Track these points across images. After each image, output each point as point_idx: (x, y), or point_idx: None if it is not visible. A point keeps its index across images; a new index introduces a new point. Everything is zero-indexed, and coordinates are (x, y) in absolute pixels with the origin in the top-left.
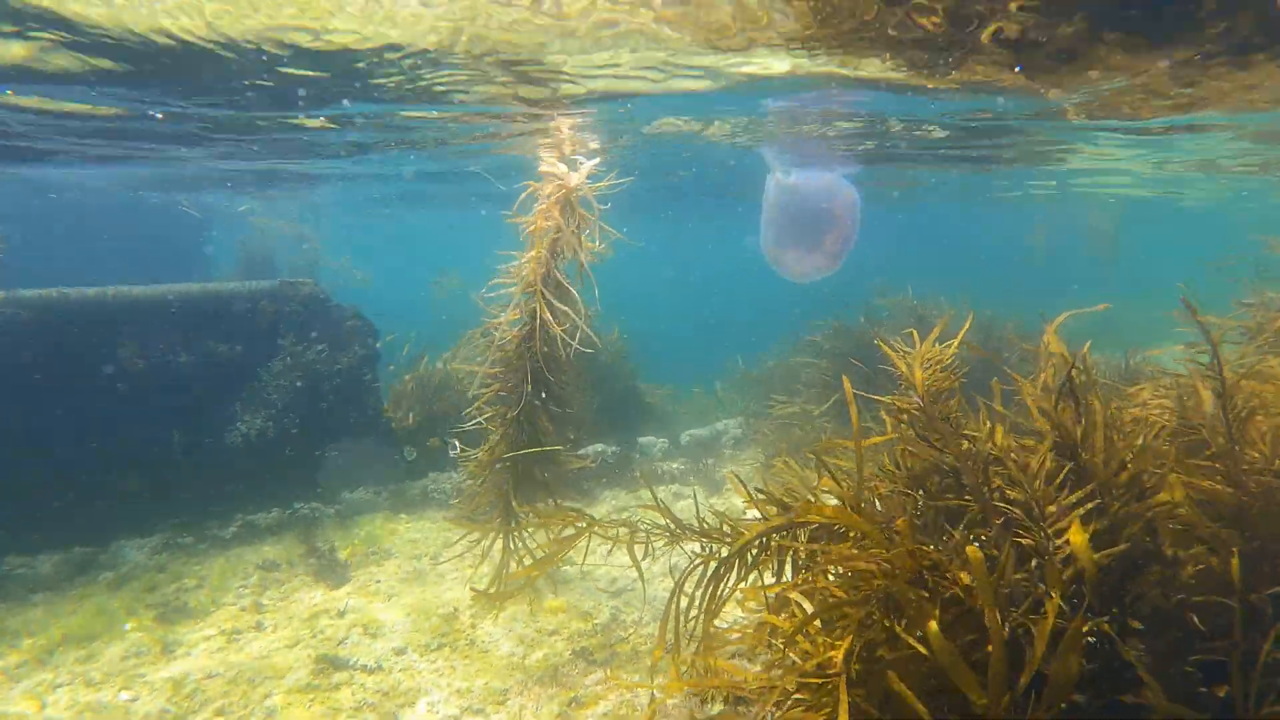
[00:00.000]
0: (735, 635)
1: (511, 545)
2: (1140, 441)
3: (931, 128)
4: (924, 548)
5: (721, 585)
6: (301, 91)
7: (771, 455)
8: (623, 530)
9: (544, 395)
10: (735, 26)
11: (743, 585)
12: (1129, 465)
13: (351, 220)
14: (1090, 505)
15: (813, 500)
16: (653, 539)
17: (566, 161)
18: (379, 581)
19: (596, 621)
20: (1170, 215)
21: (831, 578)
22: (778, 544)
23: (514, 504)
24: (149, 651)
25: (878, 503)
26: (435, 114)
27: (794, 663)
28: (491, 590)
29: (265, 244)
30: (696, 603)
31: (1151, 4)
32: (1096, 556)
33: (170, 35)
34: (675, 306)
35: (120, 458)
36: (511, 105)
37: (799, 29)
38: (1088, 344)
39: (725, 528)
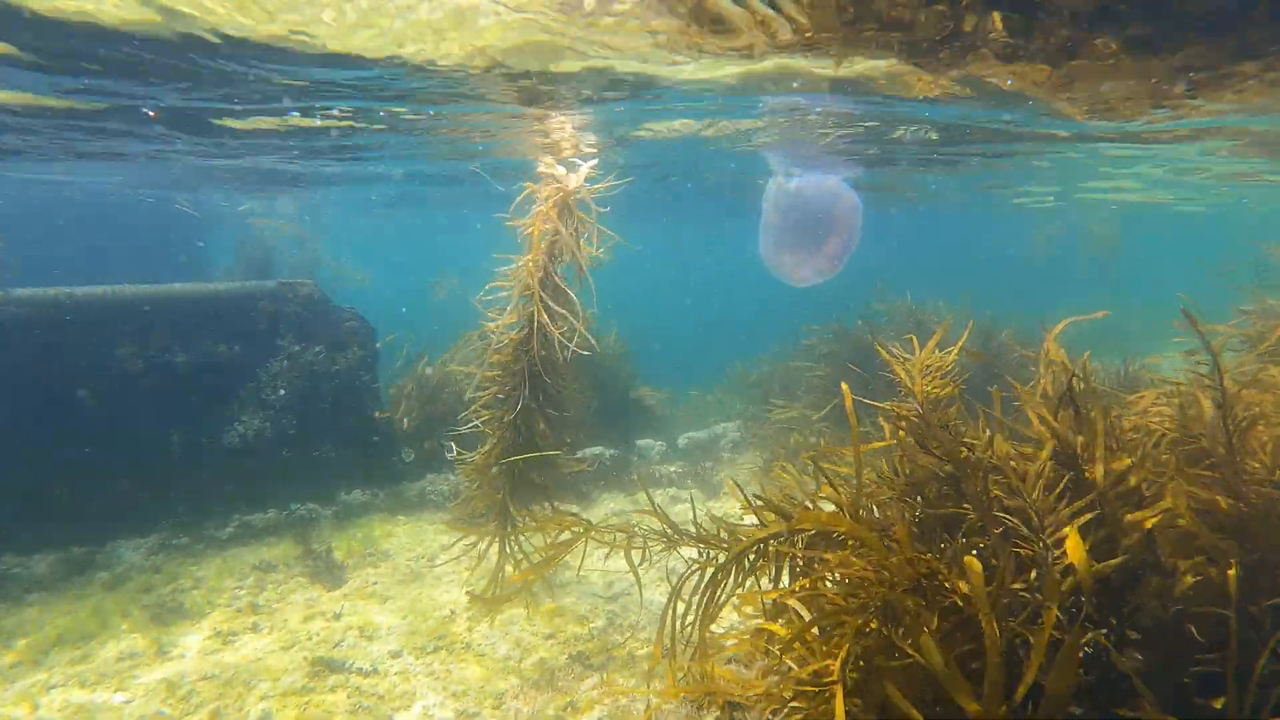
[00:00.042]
0: (731, 641)
1: (508, 549)
2: (1140, 451)
3: (929, 132)
4: (922, 556)
5: (719, 590)
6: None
7: (770, 459)
8: (620, 535)
9: (541, 398)
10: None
11: (740, 591)
12: (1129, 475)
13: (351, 221)
14: (1089, 516)
15: (811, 507)
16: (650, 544)
17: (564, 163)
18: (375, 583)
19: (593, 626)
20: (1170, 220)
21: (829, 584)
22: (775, 550)
23: (510, 508)
24: (144, 653)
25: (876, 509)
26: (431, 114)
27: (790, 669)
28: (488, 594)
29: (264, 244)
30: (693, 608)
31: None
32: (1095, 569)
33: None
34: (674, 308)
35: (117, 458)
36: (510, 105)
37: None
38: (1087, 353)
39: (722, 533)
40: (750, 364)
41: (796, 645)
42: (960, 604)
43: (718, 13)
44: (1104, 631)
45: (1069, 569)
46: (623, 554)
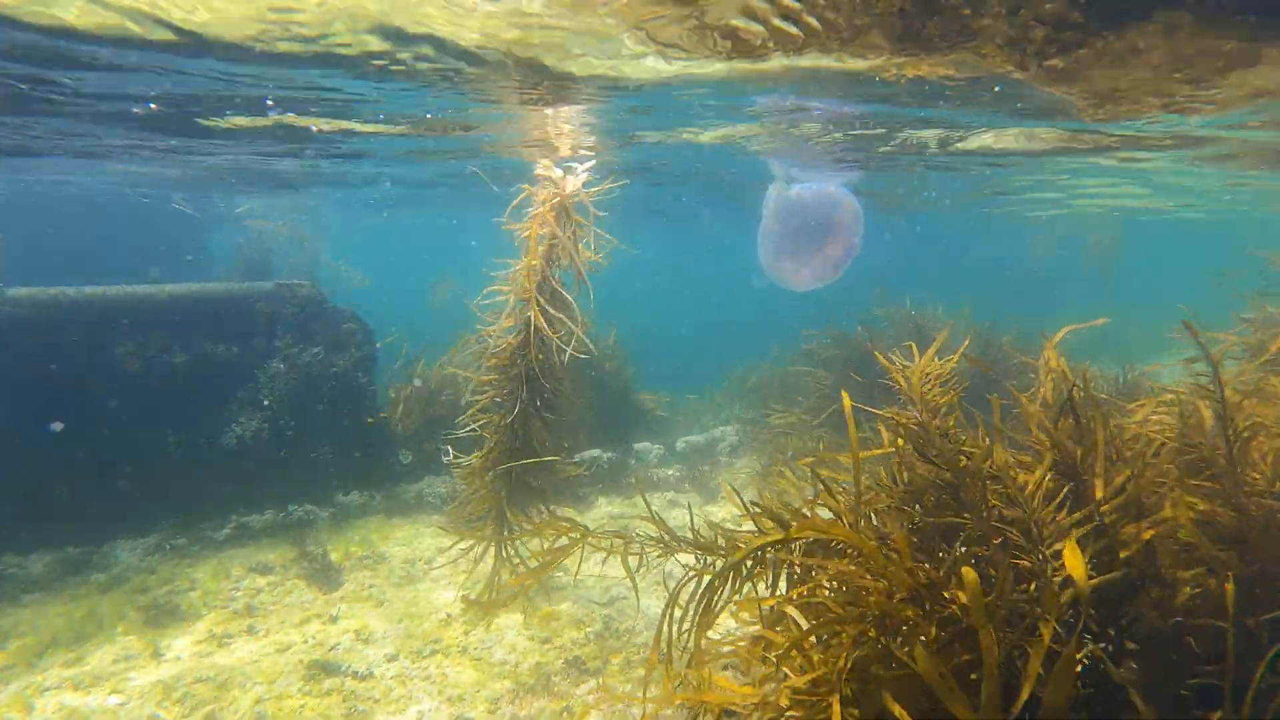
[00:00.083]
0: (728, 648)
1: (505, 553)
2: (1140, 462)
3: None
4: (921, 565)
5: (716, 596)
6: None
7: (768, 464)
8: (616, 541)
9: (538, 402)
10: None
11: (736, 597)
12: (1129, 486)
13: (350, 222)
14: (1089, 527)
15: (809, 514)
16: (647, 550)
17: (562, 165)
18: (372, 586)
19: (589, 630)
20: (1170, 226)
21: (827, 592)
22: (773, 557)
23: (507, 512)
24: (139, 655)
25: (874, 517)
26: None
27: (786, 677)
28: (484, 599)
29: (263, 245)
30: (690, 614)
31: None
32: (1093, 582)
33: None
34: (672, 311)
35: (114, 458)
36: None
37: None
38: (1087, 363)
39: (720, 540)
40: (748, 368)
41: (794, 653)
42: (959, 614)
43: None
44: (1102, 645)
45: (1068, 581)
46: (619, 559)
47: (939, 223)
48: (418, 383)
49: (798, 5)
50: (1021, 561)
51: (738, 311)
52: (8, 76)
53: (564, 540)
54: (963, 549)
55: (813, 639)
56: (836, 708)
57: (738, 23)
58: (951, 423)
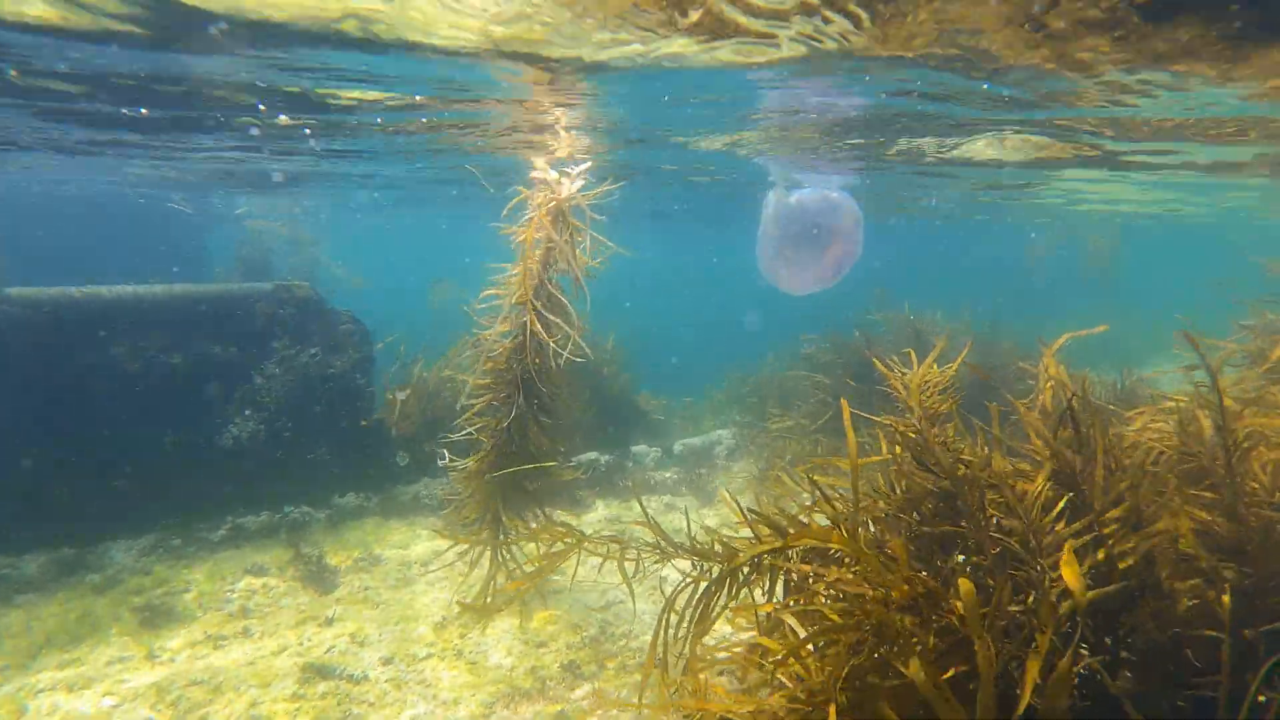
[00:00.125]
0: (723, 655)
1: (500, 557)
2: (1139, 471)
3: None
4: (919, 575)
5: (713, 602)
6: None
7: (765, 468)
8: (613, 547)
9: (535, 406)
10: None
11: (733, 603)
12: (1128, 496)
13: (350, 223)
14: (1088, 538)
15: (806, 521)
16: (643, 556)
17: (557, 167)
18: (368, 589)
19: (585, 634)
20: (1168, 230)
21: (823, 600)
22: (770, 564)
23: (503, 516)
24: (133, 656)
25: (871, 524)
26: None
27: (782, 684)
28: (479, 603)
29: (262, 246)
30: (686, 620)
31: None
32: (1091, 594)
33: None
34: (671, 312)
35: (110, 458)
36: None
37: None
38: (1087, 372)
39: (717, 546)
40: (746, 371)
41: (791, 661)
42: (957, 624)
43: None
44: (1100, 657)
45: (1066, 592)
46: (616, 564)
47: (938, 225)
48: (409, 389)
49: None
50: (1020, 573)
51: (736, 313)
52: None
53: (560, 546)
54: (961, 558)
55: (809, 646)
56: (833, 717)
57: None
58: (950, 431)
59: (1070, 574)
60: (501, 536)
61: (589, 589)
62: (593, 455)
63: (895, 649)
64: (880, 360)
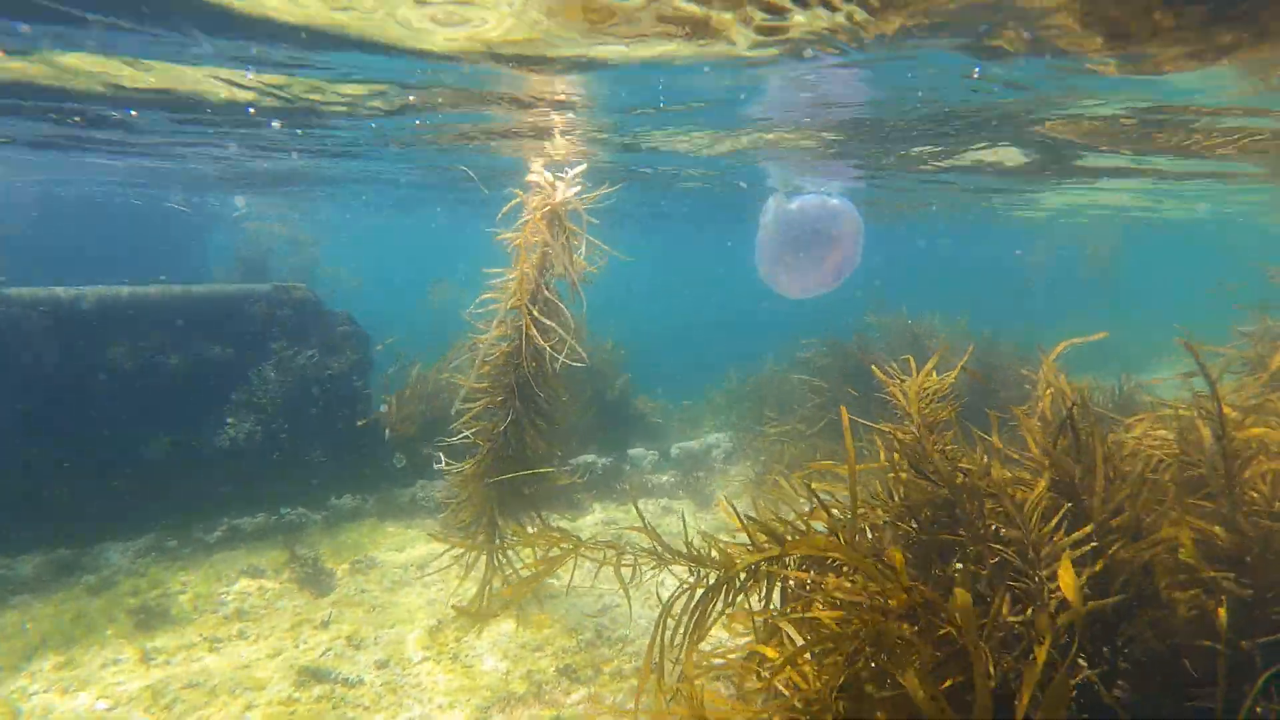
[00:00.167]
0: (719, 661)
1: (496, 562)
2: (1141, 485)
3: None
4: (918, 584)
5: (709, 608)
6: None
7: (762, 472)
8: (609, 552)
9: (531, 410)
10: None
11: (729, 610)
12: (1127, 506)
13: (349, 225)
14: (1087, 548)
15: (804, 528)
16: (640, 562)
17: (552, 168)
18: (364, 591)
19: (581, 638)
20: (1168, 232)
21: (820, 607)
22: (767, 571)
23: (499, 520)
24: (128, 658)
25: (869, 531)
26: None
27: (779, 692)
28: (474, 607)
29: (260, 247)
30: (683, 626)
31: None
32: (1089, 606)
33: None
34: (669, 314)
35: (106, 459)
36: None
37: None
38: (1086, 381)
39: (714, 552)
40: (744, 375)
41: (788, 669)
42: (955, 634)
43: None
44: (1097, 671)
45: (1065, 604)
46: (612, 568)
47: (937, 227)
48: (406, 392)
49: None
50: (1019, 584)
51: (733, 315)
52: None
53: (556, 551)
54: (959, 566)
55: (806, 654)
56: None
57: None
58: (949, 438)
59: (1068, 585)
60: (497, 541)
61: (585, 593)
62: (590, 458)
63: (893, 658)
64: (878, 366)
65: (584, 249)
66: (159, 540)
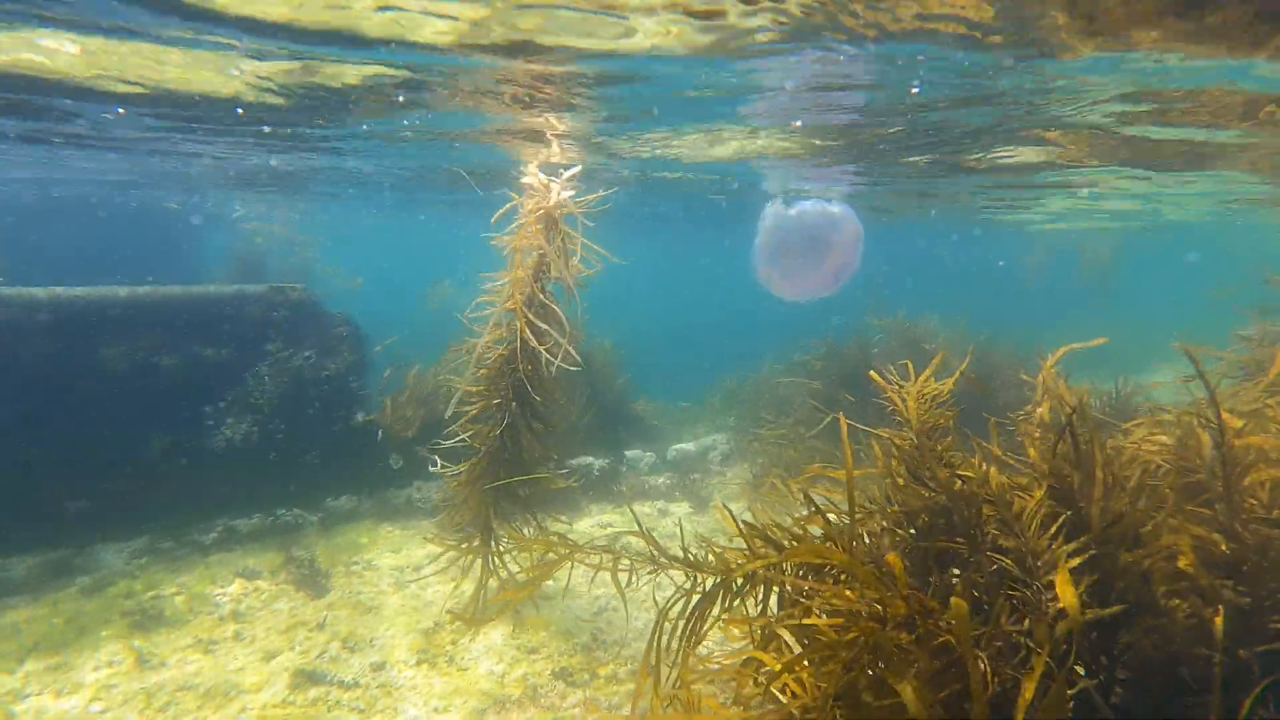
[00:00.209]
0: (716, 665)
1: (492, 564)
2: (1139, 492)
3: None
4: (916, 593)
5: (706, 614)
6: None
7: (760, 474)
8: (606, 557)
9: (528, 413)
10: None
11: (725, 614)
12: (1126, 514)
13: (346, 226)
14: (1085, 556)
15: (801, 533)
16: (637, 566)
17: (546, 170)
18: (360, 593)
19: (577, 641)
20: (1165, 235)
21: (818, 614)
22: (764, 577)
23: (494, 524)
24: (123, 661)
25: (867, 537)
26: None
27: (775, 698)
28: (469, 611)
29: (257, 248)
30: (679, 632)
31: None
32: (1087, 616)
33: None
34: (666, 315)
35: (101, 460)
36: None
37: None
38: (1086, 388)
39: (710, 557)
40: (741, 377)
41: (785, 676)
42: (953, 643)
43: None
44: (1095, 681)
45: (1063, 613)
46: (609, 573)
47: (937, 229)
48: (416, 381)
49: None
50: (1018, 592)
51: (733, 315)
52: None
53: (552, 556)
54: (957, 572)
55: (803, 662)
56: None
57: None
58: (947, 444)
59: (1066, 594)
60: (493, 544)
61: (581, 595)
62: (587, 459)
63: (890, 666)
64: (877, 370)
65: (579, 252)
66: (154, 542)
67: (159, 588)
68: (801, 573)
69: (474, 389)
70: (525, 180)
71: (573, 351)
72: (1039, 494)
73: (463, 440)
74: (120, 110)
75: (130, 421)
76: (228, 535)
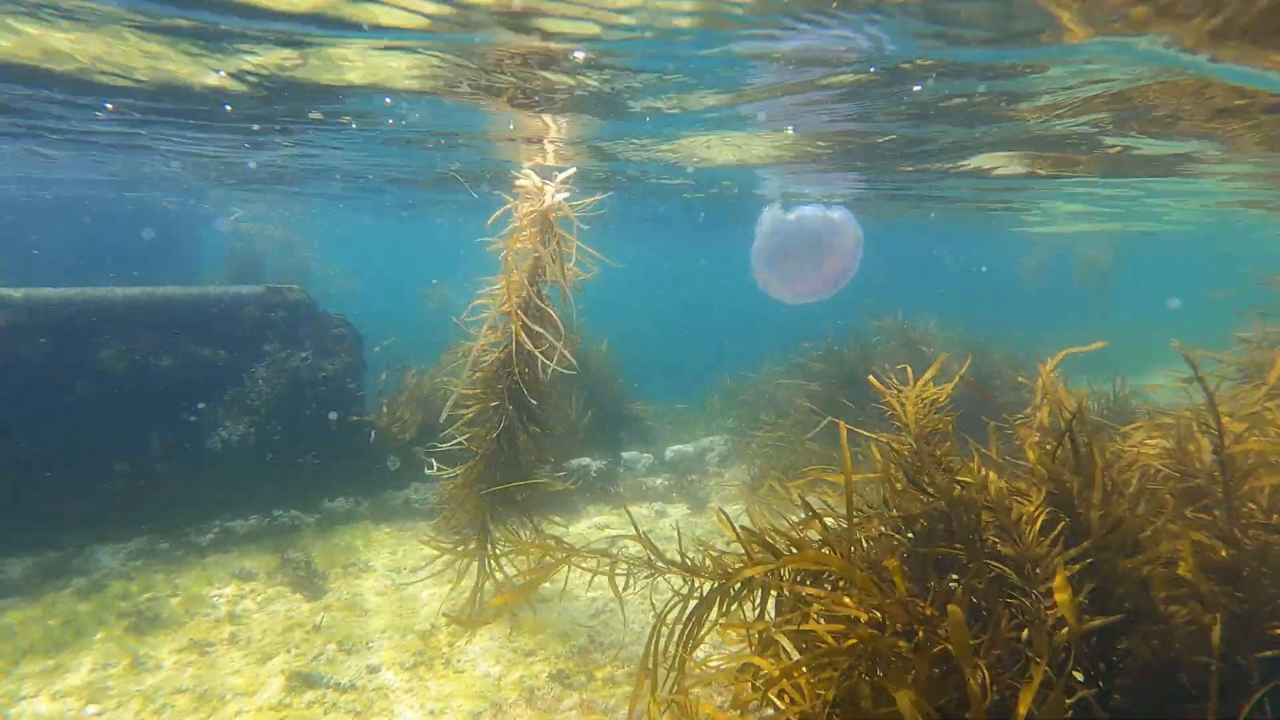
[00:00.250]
0: (713, 668)
1: (489, 567)
2: (1138, 498)
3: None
4: (915, 600)
5: (703, 618)
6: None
7: (758, 476)
8: (603, 561)
9: (524, 416)
10: None
11: (723, 619)
12: (1125, 520)
13: (344, 227)
14: (1085, 563)
15: (799, 537)
16: (634, 570)
17: (541, 171)
18: (356, 595)
19: (574, 644)
20: (1164, 236)
21: (816, 620)
22: (762, 582)
23: (491, 527)
24: (118, 664)
25: (865, 542)
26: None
27: (773, 704)
28: (466, 613)
29: (254, 250)
30: (676, 636)
31: None
32: (1086, 624)
33: None
34: (664, 316)
35: (98, 461)
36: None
37: None
38: (1085, 393)
39: (708, 562)
40: (740, 379)
41: (784, 683)
42: (952, 650)
43: None
44: (1093, 691)
45: (1062, 620)
46: (606, 576)
47: (937, 230)
48: (414, 383)
49: None
50: (1016, 600)
51: (731, 316)
52: None
53: (549, 559)
54: (956, 578)
55: (801, 668)
56: None
57: None
58: (946, 448)
59: (1064, 601)
60: (490, 547)
61: (578, 597)
62: (584, 461)
63: (889, 674)
64: (875, 374)
65: (575, 255)
66: (150, 543)
67: (155, 589)
68: (799, 578)
69: (470, 392)
70: (519, 183)
71: (568, 355)
72: (1038, 499)
73: (459, 443)
74: (109, 105)
75: (127, 422)
76: (224, 536)
